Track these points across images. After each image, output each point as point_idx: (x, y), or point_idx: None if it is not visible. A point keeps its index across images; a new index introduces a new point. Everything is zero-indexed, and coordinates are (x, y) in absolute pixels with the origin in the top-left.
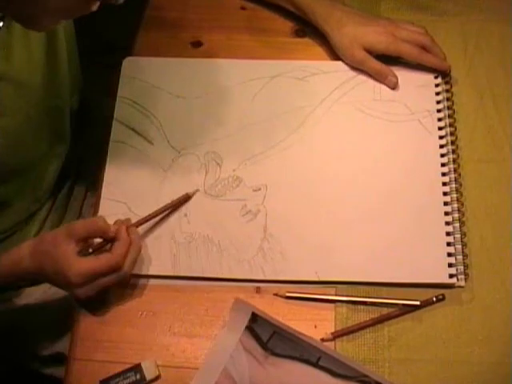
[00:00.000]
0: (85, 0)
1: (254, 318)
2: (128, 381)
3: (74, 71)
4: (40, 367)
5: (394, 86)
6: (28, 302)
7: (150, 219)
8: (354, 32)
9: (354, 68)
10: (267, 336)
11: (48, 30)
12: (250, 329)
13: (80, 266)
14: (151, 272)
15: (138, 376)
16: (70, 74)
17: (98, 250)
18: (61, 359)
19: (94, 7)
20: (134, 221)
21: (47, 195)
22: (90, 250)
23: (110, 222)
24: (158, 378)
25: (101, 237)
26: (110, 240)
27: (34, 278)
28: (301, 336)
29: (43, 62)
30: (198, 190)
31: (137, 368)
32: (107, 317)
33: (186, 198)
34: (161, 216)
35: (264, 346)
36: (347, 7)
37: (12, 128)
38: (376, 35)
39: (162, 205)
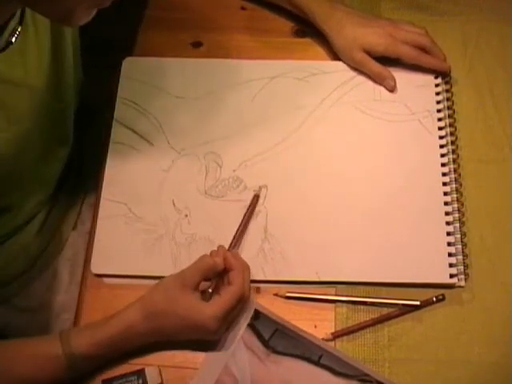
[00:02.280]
0: None
1: (257, 315)
2: None
3: (77, 75)
4: None
5: (391, 89)
6: (28, 302)
7: (239, 235)
8: (353, 33)
9: (354, 68)
10: (269, 334)
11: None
12: (251, 326)
13: (212, 310)
14: (152, 273)
15: (141, 381)
16: (75, 77)
17: (216, 285)
18: None
19: None
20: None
21: (48, 196)
22: (210, 291)
23: (111, 223)
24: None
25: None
26: (221, 273)
27: (145, 341)
28: (302, 334)
29: (50, 67)
30: (261, 188)
31: (140, 372)
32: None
33: (257, 199)
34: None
35: (266, 343)
36: (347, 8)
37: (20, 135)
38: (375, 37)
39: (166, 206)
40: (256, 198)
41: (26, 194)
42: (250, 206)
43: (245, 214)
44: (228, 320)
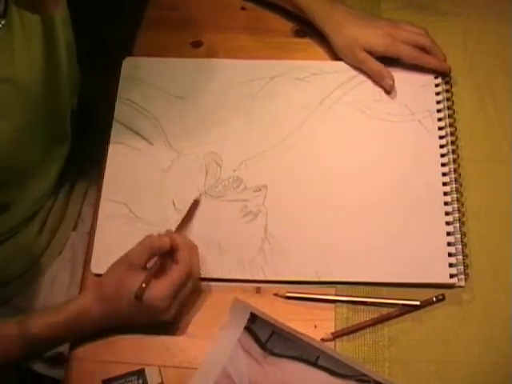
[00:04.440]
0: None
1: (253, 318)
2: None
3: (73, 74)
4: (40, 367)
5: (389, 89)
6: (28, 303)
7: (186, 220)
8: (353, 33)
9: (354, 68)
10: (266, 336)
11: (51, 11)
12: (248, 329)
13: (160, 290)
14: None
15: (141, 381)
16: (70, 76)
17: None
18: (61, 359)
19: None
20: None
21: (47, 196)
22: (154, 271)
23: (112, 223)
24: None
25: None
26: (167, 253)
27: (101, 326)
28: (299, 336)
29: (42, 64)
30: (200, 194)
31: (140, 372)
32: None
33: (196, 204)
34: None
35: (263, 346)
36: (347, 8)
37: (12, 130)
38: (375, 37)
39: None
40: (196, 203)
41: (24, 191)
42: (190, 210)
43: (184, 218)
44: (179, 299)
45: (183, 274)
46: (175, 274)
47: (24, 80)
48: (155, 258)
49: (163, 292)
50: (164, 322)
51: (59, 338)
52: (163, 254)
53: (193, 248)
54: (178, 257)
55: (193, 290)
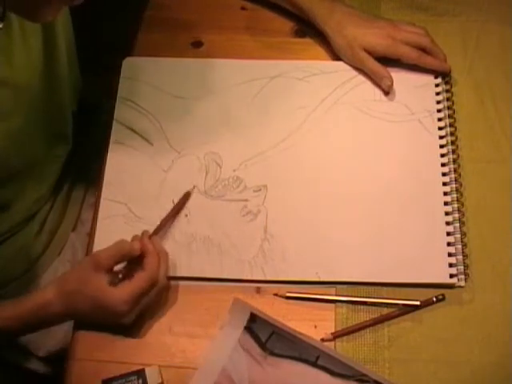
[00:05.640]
0: None
1: (253, 318)
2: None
3: (73, 74)
4: (40, 367)
5: (388, 90)
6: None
7: (165, 225)
8: (353, 34)
9: (354, 68)
10: (266, 336)
11: (49, 20)
12: (248, 329)
13: (121, 294)
14: None
15: (141, 381)
16: (70, 76)
17: (128, 272)
18: (61, 359)
19: None
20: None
21: (47, 196)
22: (120, 276)
23: (111, 223)
24: None
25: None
26: (137, 258)
27: (64, 320)
28: (299, 336)
29: (42, 65)
30: (195, 186)
31: (140, 373)
32: None
33: (187, 196)
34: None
35: (263, 346)
36: (347, 8)
37: (11, 131)
38: (375, 37)
39: (166, 206)
40: (188, 195)
41: (23, 192)
42: (180, 201)
43: (173, 207)
44: (142, 303)
45: (147, 282)
46: (140, 280)
47: (23, 82)
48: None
49: (124, 297)
50: (122, 324)
51: (22, 330)
52: (133, 259)
53: (162, 255)
54: (145, 263)
55: (158, 294)
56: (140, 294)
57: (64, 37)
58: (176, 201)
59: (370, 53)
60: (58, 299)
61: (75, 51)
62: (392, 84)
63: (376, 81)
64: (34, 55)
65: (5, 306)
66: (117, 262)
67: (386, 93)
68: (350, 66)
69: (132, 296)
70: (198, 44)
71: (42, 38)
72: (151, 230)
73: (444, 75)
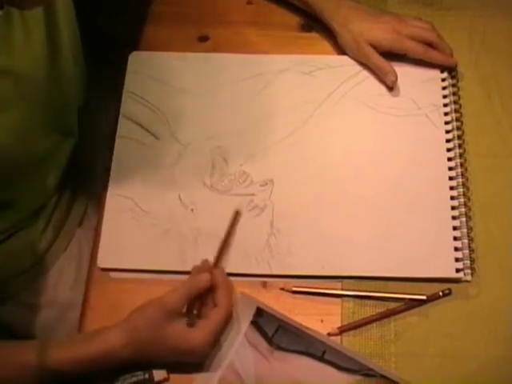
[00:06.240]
0: None
1: (259, 312)
2: (136, 379)
3: (79, 68)
4: None
5: (392, 85)
6: (34, 299)
7: (223, 250)
8: (359, 28)
9: (360, 63)
10: (272, 330)
11: (39, 5)
12: (255, 323)
13: (203, 336)
14: (158, 267)
15: (147, 376)
16: (75, 70)
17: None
18: None
19: None
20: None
21: (53, 191)
22: (195, 312)
23: (118, 218)
24: (166, 380)
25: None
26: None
27: (129, 362)
28: (306, 330)
29: (45, 57)
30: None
31: (146, 368)
32: (115, 312)
33: (237, 216)
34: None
35: (269, 340)
36: (354, 2)
37: (15, 124)
38: (381, 32)
39: (173, 201)
40: (238, 214)
41: (28, 187)
42: (231, 222)
43: (227, 229)
44: (217, 341)
45: (224, 318)
46: (217, 318)
47: (25, 72)
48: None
49: (206, 338)
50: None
51: (78, 373)
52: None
53: (231, 287)
54: (218, 298)
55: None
56: (220, 331)
57: (67, 31)
58: (182, 196)
59: (375, 47)
60: (129, 348)
61: (80, 46)
62: (396, 79)
63: (380, 76)
64: (36, 46)
65: (60, 348)
66: (186, 303)
67: (390, 88)
68: (356, 60)
69: (214, 335)
70: (204, 38)
71: (45, 30)
72: (157, 223)
73: (450, 70)
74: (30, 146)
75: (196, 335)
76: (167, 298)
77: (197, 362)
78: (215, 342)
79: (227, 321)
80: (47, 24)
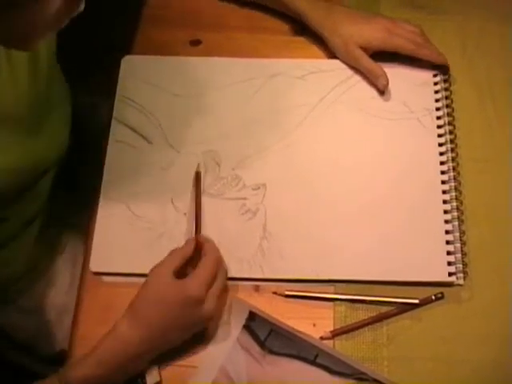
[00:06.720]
0: (70, 2)
1: (252, 316)
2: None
3: (56, 86)
4: (40, 367)
5: (383, 89)
6: (30, 303)
7: (199, 216)
8: (349, 31)
9: (352, 67)
10: (265, 334)
11: (38, 46)
12: (247, 327)
13: (192, 280)
14: None
15: (140, 380)
16: (59, 90)
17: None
18: (61, 359)
19: (82, 6)
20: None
21: (46, 201)
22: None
23: (111, 222)
24: (159, 383)
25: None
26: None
27: (144, 357)
28: (298, 334)
29: (28, 91)
30: (198, 164)
31: None
32: (107, 316)
33: (198, 177)
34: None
35: (261, 344)
36: (344, 8)
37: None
38: (372, 32)
39: (166, 205)
40: (198, 175)
41: (21, 204)
42: (197, 183)
43: (194, 192)
44: (214, 289)
45: (213, 262)
46: (205, 264)
47: (11, 111)
48: None
49: (198, 280)
50: (205, 316)
51: (106, 376)
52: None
53: (215, 247)
54: (204, 250)
55: (223, 285)
56: (210, 275)
57: (46, 53)
58: (175, 200)
59: (365, 49)
60: (134, 328)
61: (56, 63)
62: (387, 83)
63: (372, 80)
64: (20, 83)
65: (76, 366)
66: (180, 265)
67: (382, 92)
68: (347, 64)
69: (204, 278)
70: (196, 42)
71: (28, 62)
72: (150, 227)
73: (443, 71)
74: (21, 180)
75: (188, 282)
76: (155, 269)
77: (200, 314)
78: (207, 286)
79: (215, 265)
80: (29, 57)
